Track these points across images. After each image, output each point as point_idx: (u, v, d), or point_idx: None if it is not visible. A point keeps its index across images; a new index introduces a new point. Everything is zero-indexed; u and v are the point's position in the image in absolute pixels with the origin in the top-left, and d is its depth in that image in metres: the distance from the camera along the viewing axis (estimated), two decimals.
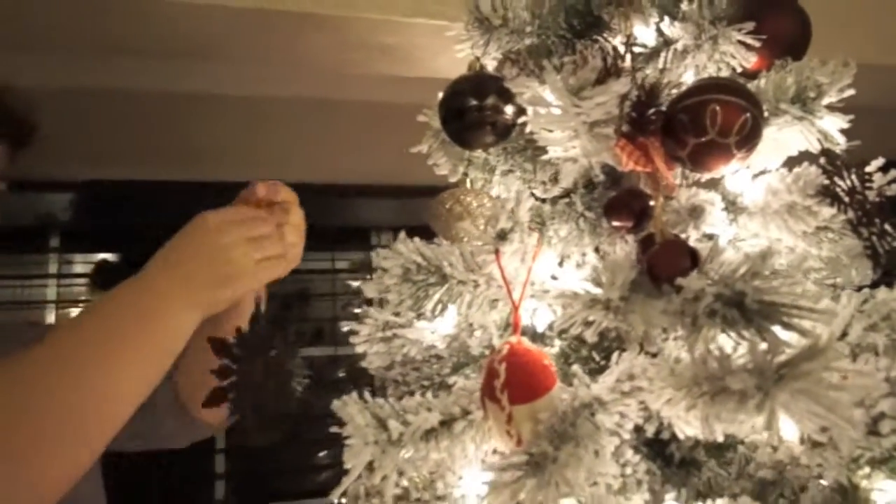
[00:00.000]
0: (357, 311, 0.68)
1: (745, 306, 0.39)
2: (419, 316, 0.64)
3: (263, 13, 0.70)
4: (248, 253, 0.57)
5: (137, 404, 0.54)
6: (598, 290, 0.44)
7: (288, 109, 1.19)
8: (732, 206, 0.54)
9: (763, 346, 0.40)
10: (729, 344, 0.43)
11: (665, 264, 0.44)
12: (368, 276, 0.71)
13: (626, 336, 0.44)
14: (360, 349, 0.69)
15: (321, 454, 2.04)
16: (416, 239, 0.57)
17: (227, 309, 0.60)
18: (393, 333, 0.69)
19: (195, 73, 0.97)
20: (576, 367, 0.54)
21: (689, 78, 0.61)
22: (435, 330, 0.68)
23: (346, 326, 0.67)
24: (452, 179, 0.72)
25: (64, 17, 0.72)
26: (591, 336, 0.46)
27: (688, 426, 0.45)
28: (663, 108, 0.51)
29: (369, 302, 0.70)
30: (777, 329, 0.40)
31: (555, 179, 0.76)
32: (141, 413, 0.71)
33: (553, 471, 0.40)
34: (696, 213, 0.50)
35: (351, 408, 0.54)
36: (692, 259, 0.44)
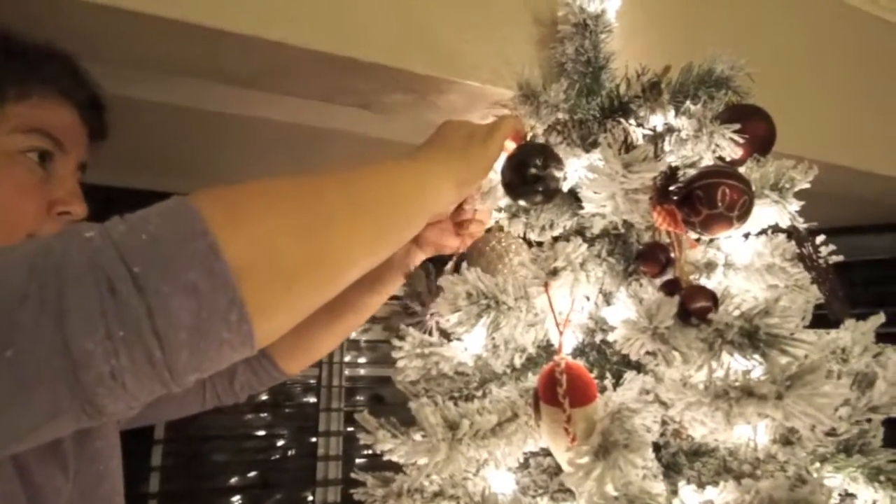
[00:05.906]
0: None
1: (757, 336, 0.55)
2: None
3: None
4: (493, 147, 0.67)
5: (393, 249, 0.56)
6: (645, 321, 0.58)
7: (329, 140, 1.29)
8: (723, 263, 0.71)
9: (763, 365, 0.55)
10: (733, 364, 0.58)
11: (695, 303, 0.58)
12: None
13: (667, 356, 0.58)
14: (400, 364, 0.78)
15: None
16: (478, 269, 0.69)
17: None
18: (429, 351, 0.79)
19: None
20: (607, 382, 0.67)
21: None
22: (466, 348, 0.79)
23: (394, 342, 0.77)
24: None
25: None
26: (636, 354, 0.59)
27: (702, 426, 0.60)
28: (681, 184, 0.67)
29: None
30: (774, 353, 0.56)
31: (550, 226, 0.91)
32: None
33: (618, 455, 0.53)
34: (710, 266, 0.65)
35: (426, 409, 0.63)
36: (714, 300, 0.59)
